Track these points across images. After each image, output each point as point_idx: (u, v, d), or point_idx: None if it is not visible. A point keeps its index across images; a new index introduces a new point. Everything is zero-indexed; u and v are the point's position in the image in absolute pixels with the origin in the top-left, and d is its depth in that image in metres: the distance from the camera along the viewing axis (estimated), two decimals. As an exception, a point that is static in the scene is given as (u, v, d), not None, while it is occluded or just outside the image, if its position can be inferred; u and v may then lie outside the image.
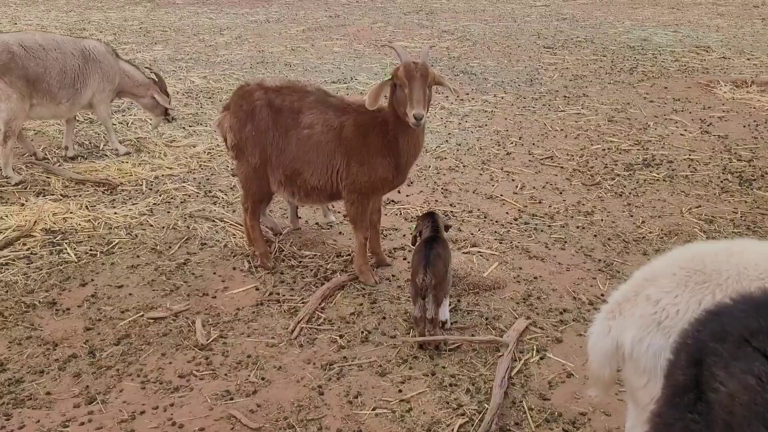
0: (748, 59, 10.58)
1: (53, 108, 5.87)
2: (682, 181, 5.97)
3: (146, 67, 7.35)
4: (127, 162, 6.36)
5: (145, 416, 3.14)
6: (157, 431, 3.04)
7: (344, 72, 9.91)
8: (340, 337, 3.81)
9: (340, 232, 5.11)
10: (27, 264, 4.48)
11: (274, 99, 4.24)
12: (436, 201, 5.71)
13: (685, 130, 7.29)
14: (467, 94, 8.81)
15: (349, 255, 4.74)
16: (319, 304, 4.10)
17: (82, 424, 3.07)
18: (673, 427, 1.34)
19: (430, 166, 6.43)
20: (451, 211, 5.51)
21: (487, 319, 3.95)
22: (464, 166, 6.45)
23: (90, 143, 6.85)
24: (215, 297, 4.21)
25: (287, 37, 12.42)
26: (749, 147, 6.73)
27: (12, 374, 3.39)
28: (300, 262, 4.66)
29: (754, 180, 5.93)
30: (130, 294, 4.19)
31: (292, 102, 4.22)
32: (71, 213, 5.23)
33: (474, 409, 3.22)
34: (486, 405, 3.24)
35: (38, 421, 3.07)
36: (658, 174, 6.10)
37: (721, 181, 5.93)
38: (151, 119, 7.11)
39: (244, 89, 4.40)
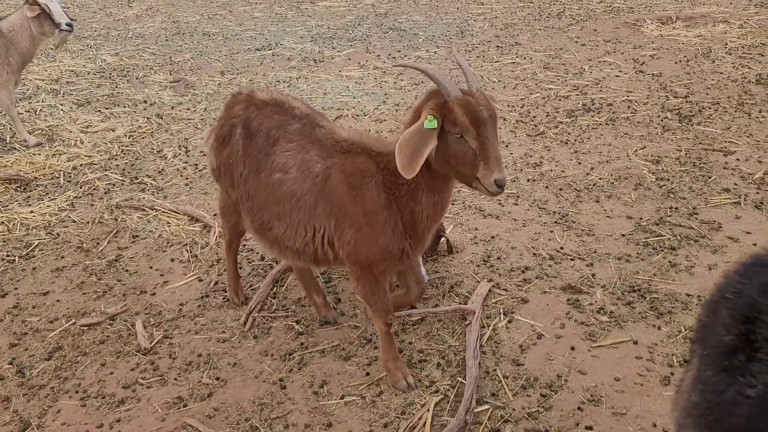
0: (670, -4, 10.67)
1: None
2: (624, 123, 5.92)
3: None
4: (39, 154, 5.80)
5: (89, 438, 2.82)
6: (105, 453, 2.73)
7: (268, 38, 9.41)
8: (297, 323, 3.56)
9: (284, 209, 4.79)
10: (-66, 279, 4.00)
11: (252, 119, 3.10)
12: (381, 166, 5.45)
13: (620, 72, 7.25)
14: (398, 51, 8.50)
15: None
16: (271, 290, 3.82)
17: (18, 456, 2.73)
18: (724, 394, 1.17)
19: (369, 130, 6.15)
20: (397, 176, 5.27)
21: (450, 286, 3.77)
22: (405, 127, 6.20)
23: (-5, 136, 6.22)
24: (154, 294, 3.86)
25: (202, 4, 11.71)
26: (684, 83, 6.75)
27: (8, 364, 3.00)
28: (244, 245, 4.34)
29: (693, 116, 5.94)
30: (57, 300, 3.80)
31: (270, 128, 3.05)
32: (-19, 216, 4.71)
33: (448, 384, 3.05)
34: (459, 378, 3.07)
35: (-35, 459, 2.72)
36: (600, 118, 6.03)
37: (662, 120, 5.91)
38: (53, 45, 6.22)
39: (233, 98, 3.29)
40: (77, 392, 3.08)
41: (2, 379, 3.17)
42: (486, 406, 2.91)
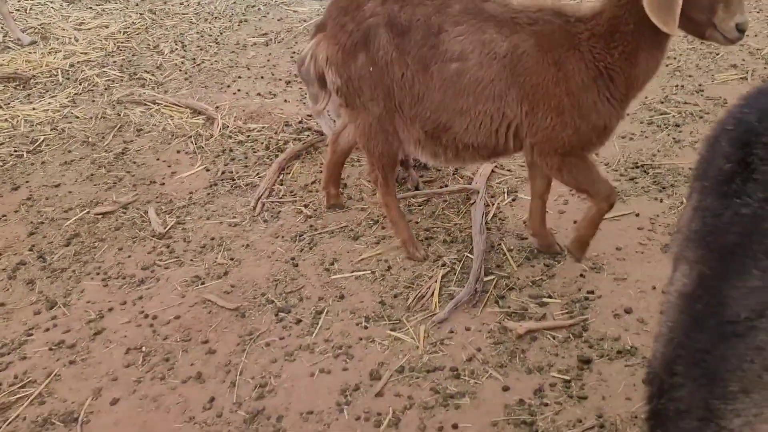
0: None
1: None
2: None
3: None
4: (34, 52, 5.70)
5: (114, 312, 2.96)
6: (130, 326, 2.88)
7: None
8: (305, 207, 3.63)
9: (286, 100, 4.77)
10: (-55, 175, 4.05)
11: (398, 13, 2.69)
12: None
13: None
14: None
15: (300, 123, 4.45)
16: (277, 177, 3.87)
17: (47, 330, 2.88)
18: (722, 216, 1.23)
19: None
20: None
21: (454, 168, 3.82)
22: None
23: (-13, 36, 6.09)
24: (164, 184, 3.92)
25: None
26: None
27: (29, 250, 3.13)
28: (248, 136, 4.35)
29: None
30: (69, 192, 3.86)
31: (427, 16, 2.66)
32: (-17, 114, 4.70)
33: (454, 258, 3.16)
34: (465, 253, 3.18)
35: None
36: None
37: None
38: None
39: None
40: (98, 274, 3.20)
41: (25, 264, 3.28)
42: (492, 277, 3.03)
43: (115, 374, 2.64)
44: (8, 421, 2.45)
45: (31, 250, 3.39)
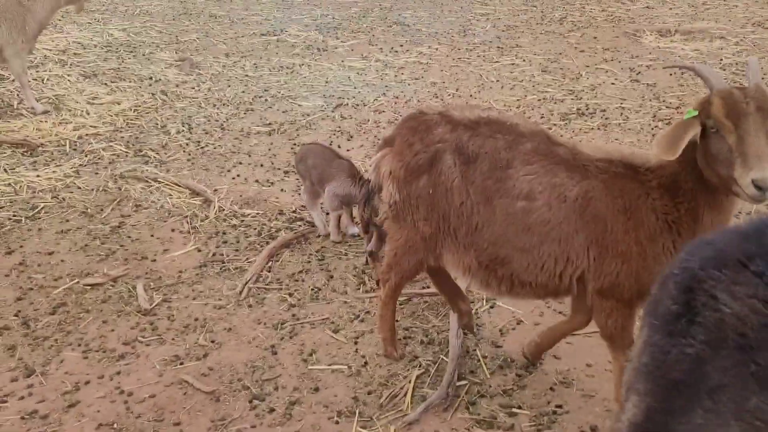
0: (671, 8, 10.89)
1: (-44, 63, 5.37)
2: (616, 129, 6.13)
3: None
4: (46, 121, 5.94)
5: (91, 386, 3.00)
6: (105, 401, 2.91)
7: (273, 24, 9.56)
8: (290, 295, 3.74)
9: (282, 189, 4.98)
10: (-58, 233, 4.15)
11: (467, 142, 2.75)
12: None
13: (616, 79, 7.46)
14: (401, 45, 8.68)
15: (293, 212, 4.63)
16: (266, 264, 4.00)
17: (22, 398, 2.90)
18: (669, 354, 1.38)
19: (369, 120, 6.33)
20: (394, 165, 5.46)
21: (436, 270, 3.97)
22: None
23: (3, 102, 6.35)
24: (155, 260, 4.03)
25: (211, -14, 11.80)
26: (676, 95, 6.97)
27: (14, 315, 3.16)
28: (242, 221, 4.52)
29: (681, 127, 6.15)
30: (62, 260, 3.96)
31: (496, 150, 2.72)
32: (-12, 177, 4.86)
33: (430, 360, 3.25)
34: (441, 356, 3.27)
35: (-28, 399, 2.88)
36: (592, 123, 6.23)
37: (652, 129, 6.12)
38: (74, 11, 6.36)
39: (419, 119, 2.90)
40: (80, 345, 3.26)
41: (8, 329, 3.34)
42: (465, 382, 3.11)
43: (84, 450, 2.65)
44: (-30, 490, 2.44)
45: (16, 315, 3.45)
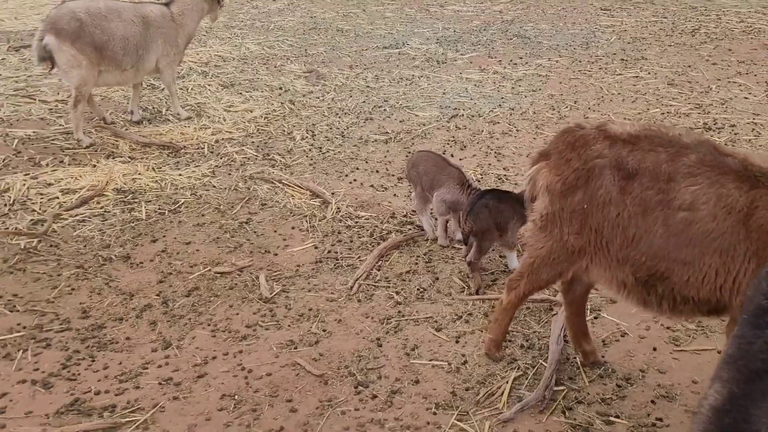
0: (820, 19, 10.08)
1: (119, 75, 6.11)
2: (745, 145, 5.83)
3: None
4: (189, 126, 6.59)
5: (217, 361, 3.35)
6: (228, 375, 3.25)
7: (396, 37, 9.91)
8: (397, 293, 3.95)
9: (395, 194, 5.22)
10: (102, 221, 4.75)
11: (626, 158, 2.73)
12: (489, 164, 5.74)
13: (750, 94, 7.06)
14: (520, 58, 8.70)
15: (404, 216, 4.85)
16: (376, 263, 4.24)
17: (160, 366, 3.31)
18: (753, 344, 1.46)
19: (483, 131, 6.44)
20: (504, 175, 5.55)
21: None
22: (517, 131, 6.44)
23: (153, 108, 7.11)
24: (276, 254, 4.39)
25: (338, 2, 12.42)
26: (818, 110, 6.50)
27: (94, 320, 3.65)
28: (356, 222, 4.80)
29: (822, 144, 5.74)
30: (197, 250, 4.42)
31: (658, 163, 2.68)
32: (139, 174, 5.49)
33: (528, 364, 3.32)
34: (540, 360, 3.33)
35: (120, 363, 3.33)
36: (719, 138, 5.96)
37: (786, 146, 5.77)
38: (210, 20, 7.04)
39: (576, 134, 2.89)
40: (209, 325, 3.65)
41: (151, 307, 3.80)
42: (562, 387, 3.15)
43: (209, 415, 2.99)
44: (116, 439, 2.84)
45: (158, 295, 3.91)
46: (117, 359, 3.35)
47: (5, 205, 4.92)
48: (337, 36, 10.05)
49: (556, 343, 3.36)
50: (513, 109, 6.95)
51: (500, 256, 4.37)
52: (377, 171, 5.65)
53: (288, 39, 9.85)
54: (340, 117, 6.90)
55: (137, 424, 2.92)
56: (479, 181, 5.11)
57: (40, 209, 4.87)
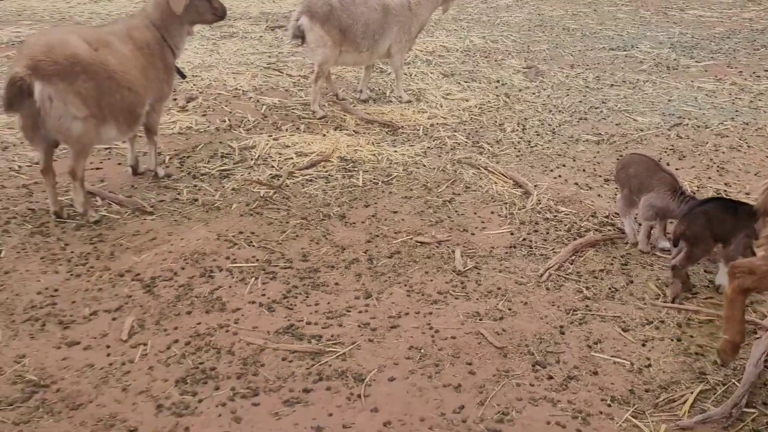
0: None
1: (356, 56, 6.77)
2: None
3: None
4: (408, 109, 7.08)
5: (409, 317, 3.70)
6: (417, 330, 3.57)
7: (625, 39, 9.56)
8: (587, 288, 3.97)
9: (599, 195, 5.17)
10: (325, 183, 5.38)
11: None
12: (709, 178, 5.41)
13: None
14: (766, 70, 7.92)
15: (606, 217, 4.80)
16: (570, 256, 4.29)
17: (360, 312, 3.74)
18: None
19: (707, 143, 6.06)
20: (725, 191, 5.20)
21: (750, 301, 3.77)
22: (749, 147, 5.96)
23: (379, 89, 7.74)
24: (473, 234, 4.64)
25: (569, 1, 12.24)
26: None
27: (311, 264, 4.21)
28: (555, 216, 4.86)
29: None
30: (402, 219, 4.82)
31: None
32: (361, 147, 6.07)
33: (718, 380, 3.18)
34: (732, 380, 3.18)
35: (328, 303, 3.82)
36: None
37: None
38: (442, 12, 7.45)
39: None
40: (406, 285, 4.01)
41: (358, 261, 4.26)
42: (753, 411, 2.99)
43: (397, 360, 3.34)
44: (320, 364, 3.30)
45: (365, 253, 4.37)
46: (326, 299, 3.85)
47: (251, 159, 5.77)
48: (563, 34, 9.96)
49: (754, 366, 3.17)
50: (747, 124, 6.42)
51: (705, 271, 4.17)
52: (584, 170, 5.62)
53: (512, 34, 10.00)
54: (553, 114, 6.92)
55: (337, 354, 3.37)
56: (694, 193, 4.86)
57: (277, 166, 5.64)
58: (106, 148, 5.78)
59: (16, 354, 3.25)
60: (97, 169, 5.43)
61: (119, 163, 5.58)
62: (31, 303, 3.66)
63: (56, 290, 3.79)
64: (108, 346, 3.35)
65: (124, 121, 4.58)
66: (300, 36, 6.49)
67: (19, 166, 5.42)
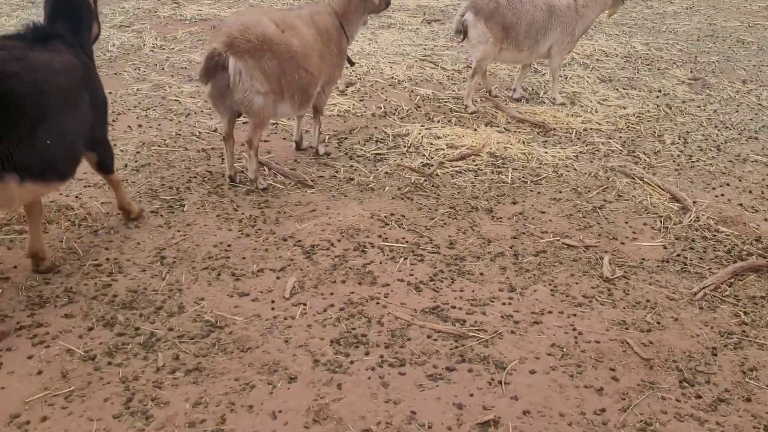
0: None
1: (515, 54, 6.78)
2: None
3: None
4: (561, 111, 6.99)
5: (552, 315, 3.73)
6: (560, 330, 3.60)
7: (808, 56, 8.79)
8: (744, 314, 3.79)
9: (766, 219, 4.86)
10: (474, 176, 5.48)
11: None
12: None
13: None
14: None
15: (772, 243, 4.53)
16: (728, 278, 4.10)
17: (504, 303, 3.82)
18: None
19: None
20: None
21: None
22: None
23: (531, 89, 7.70)
24: (623, 243, 4.54)
25: (746, 11, 11.40)
26: None
27: (458, 252, 4.34)
28: (714, 235, 4.65)
29: None
30: (550, 220, 4.82)
31: None
32: (510, 144, 6.11)
33: None
34: None
35: (473, 291, 3.93)
36: None
37: None
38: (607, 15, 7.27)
39: None
40: (550, 284, 4.03)
41: (503, 255, 4.34)
42: None
43: (539, 355, 3.39)
44: (462, 346, 3.43)
45: (510, 248, 4.44)
46: (470, 287, 3.97)
47: (404, 146, 6.00)
48: (736, 47, 9.33)
49: None
50: None
51: None
52: (750, 191, 5.30)
53: (678, 43, 9.51)
54: (719, 130, 6.55)
55: (480, 340, 3.48)
56: None
57: (428, 155, 5.82)
58: (274, 124, 6.25)
59: (196, 296, 3.67)
60: (265, 141, 5.89)
61: (284, 138, 6.02)
62: (209, 254, 4.09)
63: (229, 246, 4.21)
64: (272, 301, 3.69)
65: (298, 99, 4.95)
66: (463, 31, 6.61)
67: (200, 132, 6.01)
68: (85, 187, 4.80)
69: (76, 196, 4.63)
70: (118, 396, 2.90)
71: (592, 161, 5.85)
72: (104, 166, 4.07)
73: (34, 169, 3.20)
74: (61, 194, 4.61)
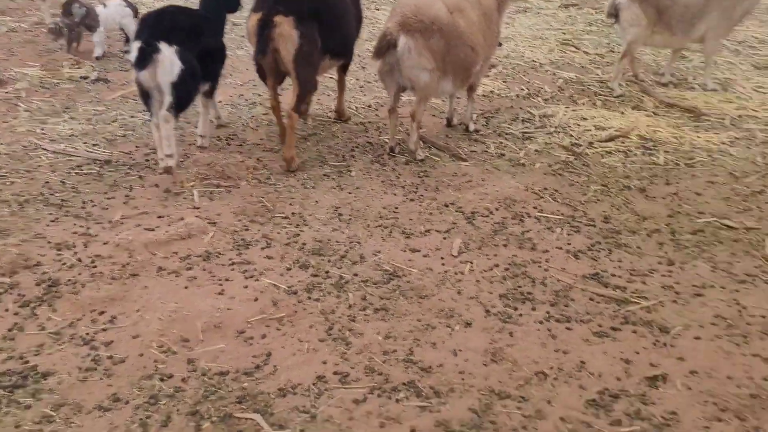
0: None
1: (667, 38, 6.71)
2: None
3: None
4: (713, 97, 6.84)
5: (714, 290, 3.79)
6: (723, 303, 3.66)
7: None
8: None
9: None
10: (624, 157, 5.55)
11: None
12: None
13: None
14: None
15: None
16: None
17: (663, 275, 3.93)
18: None
19: None
20: None
21: None
22: None
23: (680, 74, 7.55)
24: (785, 228, 4.49)
25: None
26: None
27: (612, 226, 4.47)
28: None
29: None
30: (706, 202, 4.83)
31: None
32: (660, 128, 6.09)
33: None
34: None
35: (631, 262, 4.06)
36: None
37: None
38: None
39: None
40: (710, 261, 4.07)
41: (659, 232, 4.41)
42: None
43: (703, 324, 3.48)
44: (625, 309, 3.60)
45: (666, 225, 4.50)
46: (628, 259, 4.10)
47: (551, 126, 6.14)
48: None
49: None
50: None
51: None
52: None
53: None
54: None
55: (641, 306, 3.63)
56: None
57: (576, 135, 5.94)
58: (424, 101, 6.59)
59: (373, 249, 4.07)
60: (417, 117, 6.24)
61: (433, 115, 6.34)
62: (379, 214, 4.49)
63: (396, 208, 4.59)
64: (442, 258, 4.02)
65: (459, 77, 5.24)
66: (614, 14, 6.63)
67: (356, 107, 6.45)
68: (263, 151, 5.36)
69: (258, 159, 5.19)
70: (321, 324, 3.33)
71: (749, 147, 5.73)
72: (347, 68, 5.82)
73: (333, 52, 5.18)
74: (248, 157, 5.18)
